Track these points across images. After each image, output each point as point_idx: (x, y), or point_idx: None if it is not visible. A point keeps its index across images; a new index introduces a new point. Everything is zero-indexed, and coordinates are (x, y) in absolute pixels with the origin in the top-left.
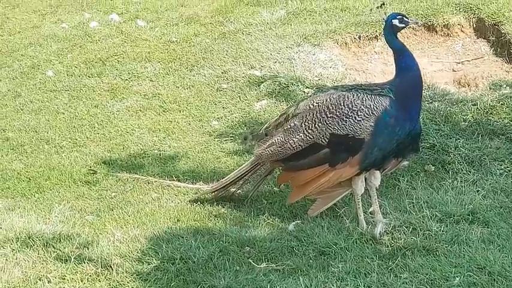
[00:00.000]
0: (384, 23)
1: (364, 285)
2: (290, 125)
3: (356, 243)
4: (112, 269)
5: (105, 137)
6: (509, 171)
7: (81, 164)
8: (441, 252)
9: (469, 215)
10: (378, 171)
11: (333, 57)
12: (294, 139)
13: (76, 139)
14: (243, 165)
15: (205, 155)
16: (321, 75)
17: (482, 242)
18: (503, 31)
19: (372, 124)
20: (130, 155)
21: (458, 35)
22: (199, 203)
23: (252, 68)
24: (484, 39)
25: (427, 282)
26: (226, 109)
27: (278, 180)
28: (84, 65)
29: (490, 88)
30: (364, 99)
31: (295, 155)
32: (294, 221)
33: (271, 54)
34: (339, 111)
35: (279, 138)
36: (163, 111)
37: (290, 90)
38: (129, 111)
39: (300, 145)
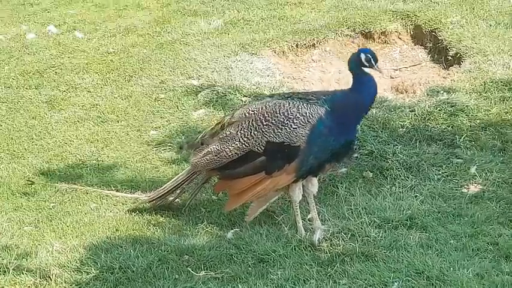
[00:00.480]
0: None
1: None
2: (226, 134)
3: (295, 250)
4: (51, 280)
5: (44, 148)
6: (447, 176)
7: (19, 176)
8: (380, 257)
9: (407, 220)
10: (315, 178)
11: (270, 65)
12: (230, 147)
13: (14, 150)
14: (180, 174)
15: (144, 165)
16: (259, 83)
17: (421, 247)
18: (440, 37)
19: (308, 132)
20: (68, 166)
21: (396, 42)
22: (137, 212)
23: (189, 77)
24: (421, 46)
25: None
26: (164, 119)
27: (215, 188)
28: (21, 76)
29: (428, 94)
30: (300, 107)
31: (231, 163)
32: (232, 229)
33: (208, 63)
34: (274, 119)
35: (214, 146)
36: (102, 121)
37: (228, 99)
38: (67, 122)
39: (236, 153)
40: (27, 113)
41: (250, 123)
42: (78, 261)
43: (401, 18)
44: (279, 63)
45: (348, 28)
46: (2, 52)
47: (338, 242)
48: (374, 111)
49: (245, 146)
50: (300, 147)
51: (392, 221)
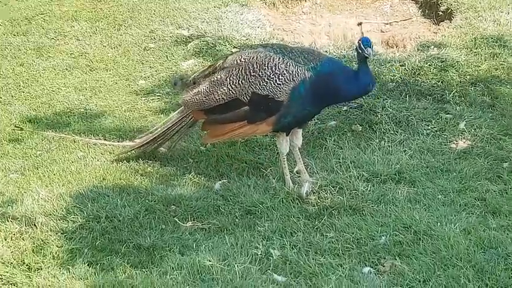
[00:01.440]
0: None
1: (290, 244)
2: (217, 77)
3: (282, 202)
4: (36, 227)
5: (31, 96)
6: (436, 131)
7: (6, 123)
8: (367, 211)
9: (395, 174)
10: (300, 131)
11: (260, 17)
12: (219, 91)
13: (1, 97)
14: (171, 116)
15: (132, 114)
16: (249, 35)
17: (409, 202)
18: None
19: (290, 90)
20: (56, 114)
21: None
22: (124, 161)
23: (179, 27)
24: (412, 0)
25: (353, 241)
26: (153, 68)
27: (204, 139)
28: (9, 23)
29: (418, 49)
30: (288, 64)
31: (217, 107)
32: (220, 180)
33: (198, 13)
34: (262, 72)
35: (205, 88)
36: (90, 70)
37: (217, 50)
38: (55, 70)
39: (223, 98)
40: (14, 60)
41: (239, 71)
42: (64, 210)
43: None
44: (269, 14)
45: None
46: None
47: (326, 195)
48: None
49: (232, 93)
50: (283, 102)
51: (381, 175)
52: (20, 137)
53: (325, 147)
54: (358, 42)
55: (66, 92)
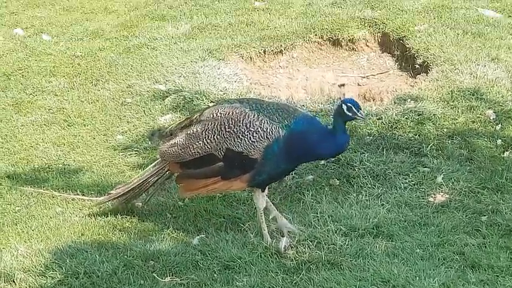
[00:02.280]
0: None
1: None
2: (193, 130)
3: (261, 257)
4: (15, 284)
5: (9, 151)
6: (414, 184)
7: None
8: (346, 265)
9: (373, 228)
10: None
11: (237, 71)
12: (194, 145)
13: None
14: (148, 168)
15: (110, 169)
16: (226, 89)
17: (387, 256)
18: (407, 46)
19: (264, 148)
20: (34, 169)
21: (364, 50)
22: (103, 216)
23: (156, 82)
24: (389, 53)
25: None
26: (131, 123)
27: (180, 193)
28: None
29: (395, 102)
30: (263, 121)
31: (193, 161)
32: (198, 235)
33: (176, 68)
34: (236, 128)
35: (181, 140)
36: (68, 125)
37: (195, 105)
38: (33, 125)
39: (198, 152)
40: None
41: (214, 126)
42: (43, 266)
43: (369, 26)
44: (246, 69)
45: (316, 35)
46: None
47: (304, 250)
48: None
49: (207, 147)
50: (257, 159)
51: (359, 229)
52: None
53: (303, 202)
54: (346, 104)
55: (45, 148)
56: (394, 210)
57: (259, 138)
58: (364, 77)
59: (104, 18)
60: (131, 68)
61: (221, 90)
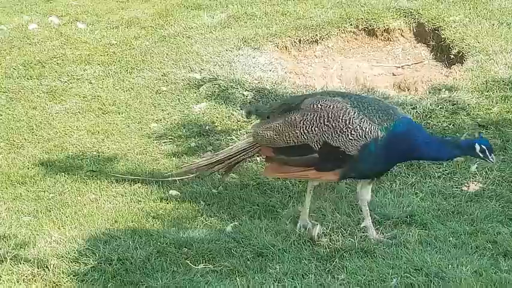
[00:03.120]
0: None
1: (301, 286)
2: (291, 118)
3: (294, 245)
4: (49, 270)
5: (43, 139)
6: (447, 174)
7: (18, 166)
8: (379, 253)
9: (407, 217)
10: (370, 186)
11: (272, 60)
12: (291, 133)
13: (14, 140)
14: (237, 144)
15: (144, 157)
16: (261, 78)
17: (420, 244)
18: (443, 36)
19: (361, 146)
20: (68, 157)
21: (399, 40)
22: (137, 203)
23: (191, 70)
24: (424, 44)
25: (364, 284)
26: (165, 111)
27: (265, 171)
28: (23, 67)
29: (429, 92)
30: (362, 120)
31: (286, 148)
32: (231, 223)
33: (211, 57)
34: (335, 123)
35: (278, 126)
36: (103, 113)
37: (229, 93)
38: (68, 113)
39: (293, 141)
40: (27, 103)
41: (314, 118)
42: (76, 252)
43: (405, 16)
44: (281, 58)
45: (351, 25)
46: (4, 42)
47: (337, 238)
48: None
49: (304, 137)
50: (353, 156)
51: (392, 218)
52: (32, 180)
53: (336, 190)
54: (481, 146)
55: (79, 135)
56: (427, 199)
57: (357, 136)
58: (399, 67)
59: (139, 6)
60: (166, 57)
61: (256, 79)
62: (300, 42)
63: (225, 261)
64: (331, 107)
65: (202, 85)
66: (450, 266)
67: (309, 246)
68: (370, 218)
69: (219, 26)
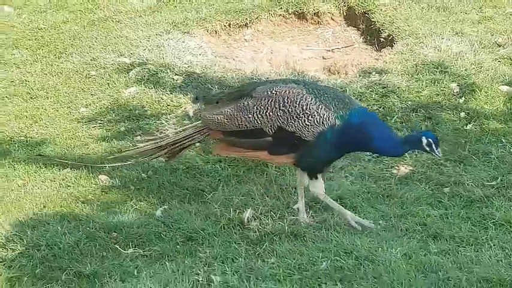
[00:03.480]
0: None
1: (231, 270)
2: (243, 103)
3: (224, 228)
4: None
5: None
6: (377, 157)
7: None
8: (309, 237)
9: (337, 200)
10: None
11: (202, 44)
12: (243, 117)
13: None
14: (185, 127)
15: (73, 141)
16: (191, 62)
17: (350, 227)
18: (372, 19)
19: (317, 133)
20: None
21: (329, 23)
22: (66, 188)
23: (121, 55)
24: (354, 27)
25: (294, 267)
26: (95, 96)
27: (214, 149)
28: None
29: (360, 75)
30: (320, 107)
31: (238, 132)
32: (161, 207)
33: (140, 41)
34: (291, 108)
35: (229, 110)
36: (31, 98)
37: (159, 77)
38: None
39: (246, 125)
40: None
41: (268, 103)
42: (3, 238)
43: (335, 0)
44: (211, 42)
45: (281, 8)
46: None
47: (267, 221)
48: None
49: (257, 122)
50: (308, 142)
51: (322, 201)
52: None
53: (266, 174)
54: (427, 140)
55: (6, 120)
56: (357, 182)
57: (314, 122)
58: (329, 51)
59: None
60: (95, 41)
61: (186, 63)
62: (229, 26)
63: (155, 246)
64: (287, 92)
65: (131, 69)
66: (380, 249)
67: (238, 230)
68: (303, 201)
69: (148, 10)
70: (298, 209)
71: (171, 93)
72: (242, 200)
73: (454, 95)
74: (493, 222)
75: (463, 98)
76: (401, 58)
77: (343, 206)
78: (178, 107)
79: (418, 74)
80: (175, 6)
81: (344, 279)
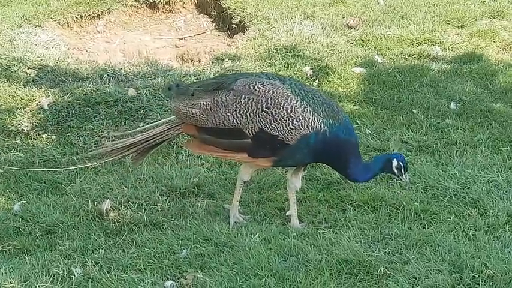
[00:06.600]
0: (384, 157)
1: (91, 262)
2: (221, 98)
3: (82, 220)
4: None
5: None
6: None
7: None
8: (168, 225)
9: (194, 188)
10: (301, 173)
11: (54, 37)
12: (220, 115)
13: None
14: (156, 125)
15: None
16: (43, 55)
17: (209, 214)
18: (224, 6)
19: (301, 136)
20: None
21: (181, 12)
22: None
23: None
24: (206, 14)
25: (154, 256)
26: None
27: (187, 145)
28: None
29: (213, 62)
30: (305, 110)
31: (214, 130)
32: (19, 201)
33: None
34: (275, 110)
35: (205, 104)
36: None
37: (12, 72)
38: None
39: (223, 124)
40: None
41: (249, 103)
42: None
43: None
44: (63, 34)
45: None
46: None
47: (126, 212)
48: (159, 80)
49: (236, 122)
50: (290, 146)
51: (180, 189)
52: None
53: (123, 164)
54: (398, 162)
55: None
56: (214, 169)
57: (299, 126)
58: (182, 39)
59: None
60: None
61: (38, 57)
62: (81, 18)
63: (14, 241)
64: (271, 92)
65: None
66: (239, 234)
67: (97, 221)
68: (295, 207)
69: None
70: (290, 215)
71: (24, 87)
72: (100, 191)
73: (308, 78)
74: (351, 203)
75: (317, 81)
76: (254, 43)
77: (201, 193)
78: (33, 100)
79: (271, 58)
80: (26, 0)
81: (204, 266)
